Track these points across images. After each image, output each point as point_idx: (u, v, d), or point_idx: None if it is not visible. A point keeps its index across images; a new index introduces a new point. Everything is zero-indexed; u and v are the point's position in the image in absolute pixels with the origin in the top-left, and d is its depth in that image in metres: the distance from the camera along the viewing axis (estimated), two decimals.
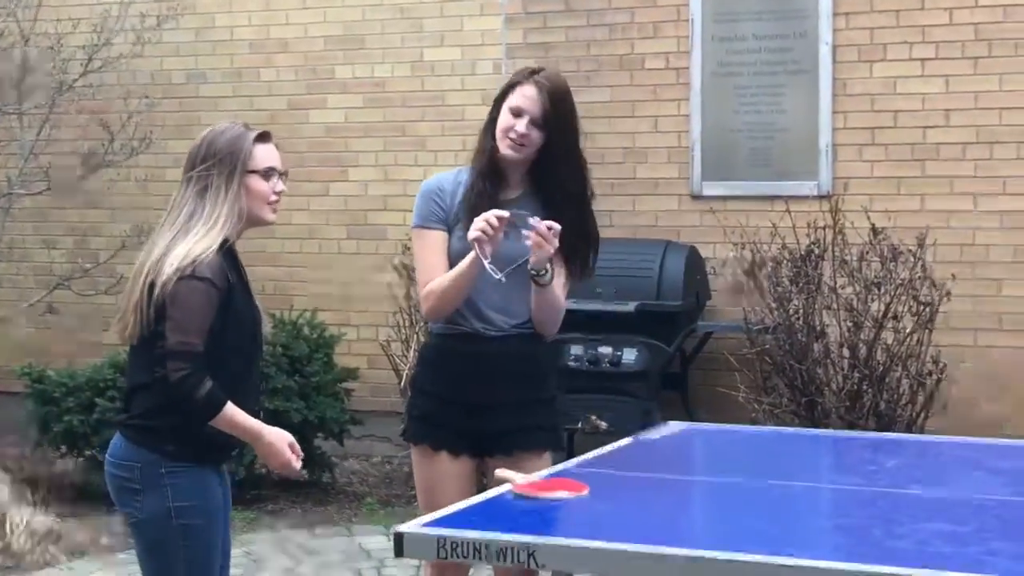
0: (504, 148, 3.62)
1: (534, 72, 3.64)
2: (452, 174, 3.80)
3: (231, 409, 3.38)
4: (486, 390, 3.73)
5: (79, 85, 7.55)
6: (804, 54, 6.80)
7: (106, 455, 3.58)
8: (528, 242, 3.50)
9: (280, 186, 3.51)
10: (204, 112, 7.81)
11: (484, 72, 7.38)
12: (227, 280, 3.40)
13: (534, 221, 3.47)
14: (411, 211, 3.89)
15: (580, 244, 3.72)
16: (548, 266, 3.58)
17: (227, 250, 3.43)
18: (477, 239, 3.48)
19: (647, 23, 7.05)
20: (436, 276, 3.67)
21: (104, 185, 8.01)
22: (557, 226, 3.49)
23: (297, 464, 3.47)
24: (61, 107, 7.66)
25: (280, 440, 3.46)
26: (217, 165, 3.47)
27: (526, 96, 3.60)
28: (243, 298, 3.49)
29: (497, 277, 3.49)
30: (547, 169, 3.68)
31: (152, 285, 3.38)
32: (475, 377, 3.73)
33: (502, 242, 3.53)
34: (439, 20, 7.51)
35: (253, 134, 3.48)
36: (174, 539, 3.52)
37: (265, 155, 3.50)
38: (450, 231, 3.72)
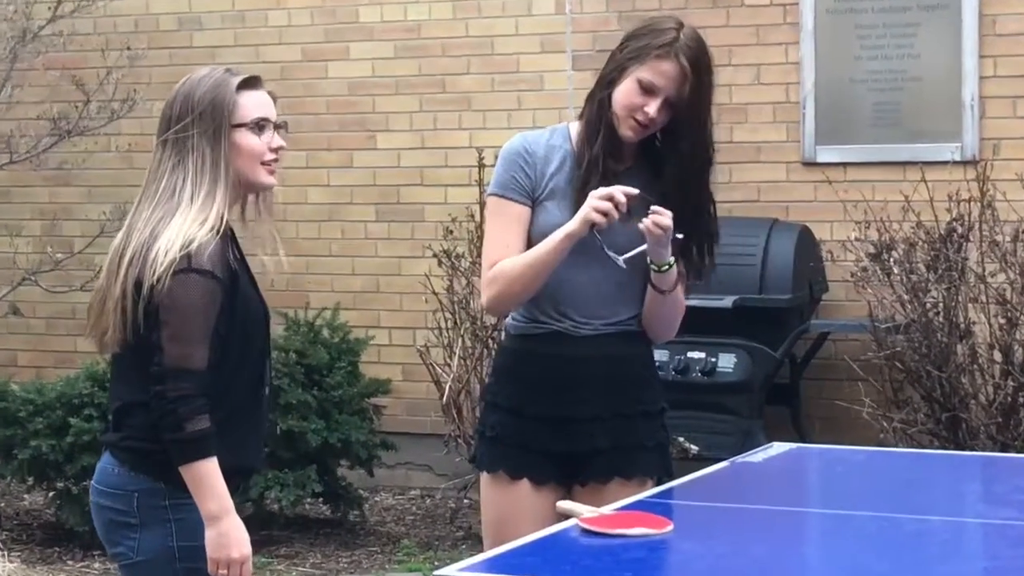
0: (624, 129, 3.73)
1: (674, 38, 3.71)
2: (544, 135, 3.88)
3: (212, 466, 3.43)
4: (577, 401, 3.81)
5: (46, 33, 7.59)
6: None
7: (93, 482, 3.60)
8: (641, 225, 3.62)
9: (278, 140, 3.56)
10: (199, 65, 7.49)
11: (543, 12, 7.44)
12: (230, 268, 3.44)
13: (657, 210, 3.61)
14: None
15: (700, 232, 3.84)
16: (671, 258, 3.69)
17: (226, 229, 3.48)
18: (599, 221, 3.59)
19: None
20: (508, 256, 3.77)
21: (79, 157, 8.10)
22: (669, 213, 3.62)
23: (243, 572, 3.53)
24: (24, 61, 7.69)
25: (240, 536, 3.51)
26: (197, 122, 3.48)
27: (663, 73, 3.69)
28: (249, 290, 3.53)
29: (620, 263, 3.63)
30: (668, 141, 3.78)
31: (139, 281, 3.39)
32: (563, 386, 3.81)
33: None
34: None
35: (237, 79, 3.53)
36: None
37: (254, 104, 3.56)
38: (535, 205, 3.81)
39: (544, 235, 3.74)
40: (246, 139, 3.52)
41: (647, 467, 3.87)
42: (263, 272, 3.71)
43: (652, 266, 3.69)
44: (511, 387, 3.90)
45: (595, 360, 3.85)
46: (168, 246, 3.38)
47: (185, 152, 3.50)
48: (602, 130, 3.78)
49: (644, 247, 3.69)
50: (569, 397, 3.82)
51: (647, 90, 3.68)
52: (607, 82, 3.78)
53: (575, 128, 3.87)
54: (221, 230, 3.43)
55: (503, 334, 4.11)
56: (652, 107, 3.68)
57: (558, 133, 3.87)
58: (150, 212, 3.47)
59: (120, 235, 3.57)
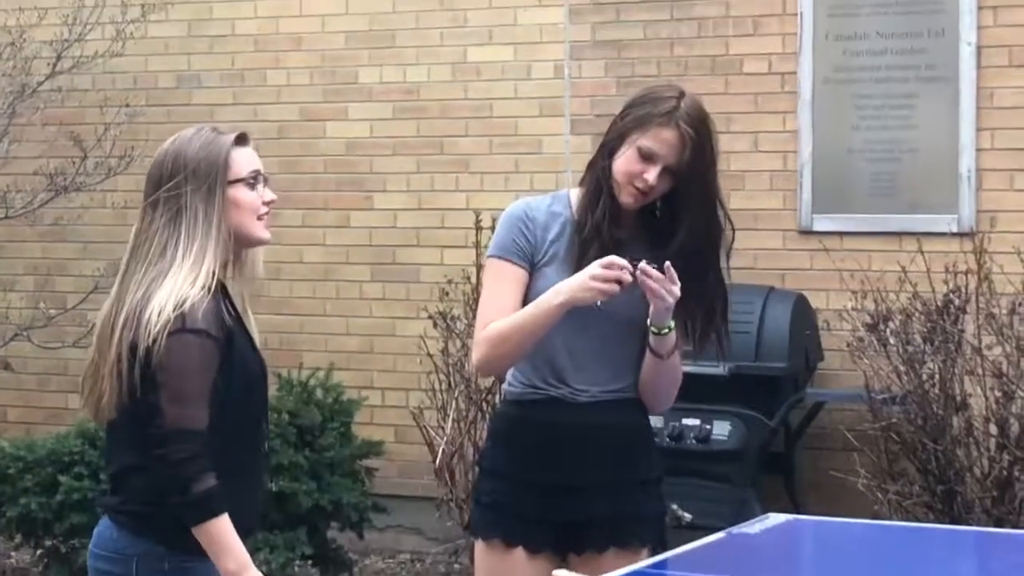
0: (624, 196, 3.76)
1: (675, 107, 3.75)
2: (545, 200, 3.92)
3: (225, 523, 3.44)
4: (575, 470, 3.84)
5: (45, 89, 7.65)
6: (941, 57, 6.84)
7: (91, 546, 3.61)
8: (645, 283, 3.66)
9: (269, 194, 3.60)
10: (198, 123, 7.65)
11: (542, 76, 7.49)
12: (225, 326, 3.46)
13: (643, 265, 3.64)
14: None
15: (699, 304, 3.87)
16: (671, 322, 3.72)
17: (218, 286, 3.49)
18: (608, 290, 3.62)
19: (745, 17, 7.15)
20: (502, 317, 3.81)
21: (74, 213, 8.11)
22: (672, 273, 3.64)
23: None
24: (23, 116, 7.74)
25: None
26: (190, 180, 3.50)
27: (664, 141, 3.73)
28: (246, 347, 3.55)
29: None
30: (672, 212, 3.84)
31: (134, 344, 3.41)
32: (561, 453, 3.85)
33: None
34: (486, 12, 7.64)
35: (231, 136, 3.57)
36: None
37: (246, 159, 3.59)
38: (533, 270, 3.84)
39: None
40: (243, 194, 3.55)
41: (644, 536, 3.90)
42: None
43: (652, 328, 3.70)
44: (507, 453, 3.93)
45: (593, 428, 3.88)
46: (161, 307, 3.40)
47: (177, 211, 3.53)
48: (603, 198, 3.81)
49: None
50: (567, 465, 3.85)
51: (646, 157, 3.72)
52: (608, 151, 3.82)
53: (575, 195, 3.91)
54: (213, 287, 3.45)
55: (499, 398, 4.09)
56: (651, 174, 3.71)
57: (559, 200, 3.91)
58: (142, 274, 3.50)
59: (110, 299, 3.59)
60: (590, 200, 3.85)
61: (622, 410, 3.88)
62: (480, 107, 7.60)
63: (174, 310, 3.40)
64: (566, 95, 7.46)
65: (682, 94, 3.80)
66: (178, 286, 3.44)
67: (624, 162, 3.77)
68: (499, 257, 3.89)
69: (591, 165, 3.91)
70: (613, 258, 3.66)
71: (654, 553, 3.91)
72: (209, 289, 3.45)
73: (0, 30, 7.61)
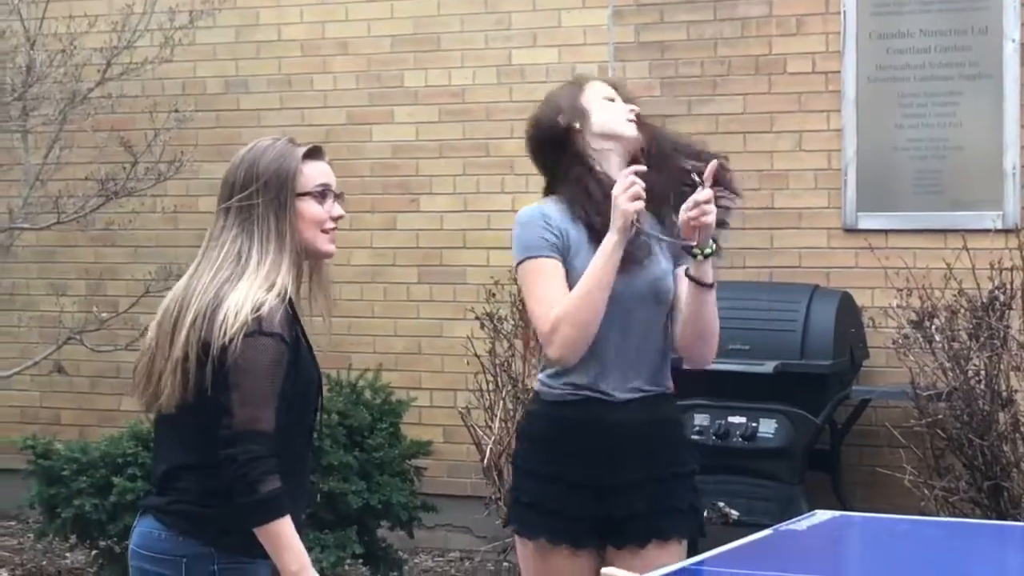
0: (628, 131, 4.01)
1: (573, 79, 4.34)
2: (546, 204, 4.06)
3: (288, 524, 3.47)
4: (615, 468, 3.92)
5: (95, 96, 7.70)
6: (985, 54, 6.85)
7: (134, 547, 3.64)
8: (684, 215, 3.80)
9: (338, 209, 3.62)
10: (246, 128, 7.95)
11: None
12: (294, 333, 3.51)
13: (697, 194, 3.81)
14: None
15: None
16: (711, 244, 3.82)
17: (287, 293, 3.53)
18: (637, 206, 3.74)
19: (789, 16, 7.17)
20: (559, 303, 3.86)
21: (125, 217, 8.18)
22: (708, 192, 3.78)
23: None
24: (74, 123, 7.82)
25: None
26: (262, 190, 3.55)
27: (603, 87, 4.12)
28: (307, 354, 3.59)
29: (665, 241, 3.86)
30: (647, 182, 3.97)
31: (206, 342, 3.45)
32: (601, 452, 3.91)
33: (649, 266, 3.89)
34: (530, 15, 7.65)
35: (302, 149, 3.60)
36: None
37: (316, 172, 3.63)
38: (565, 261, 3.92)
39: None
40: (309, 207, 3.60)
41: (682, 529, 3.98)
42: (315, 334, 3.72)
43: (695, 251, 3.80)
44: (544, 454, 4.00)
45: (631, 426, 3.96)
46: (237, 308, 3.46)
47: (250, 219, 3.58)
48: (589, 182, 4.01)
49: (676, 240, 3.86)
50: (607, 464, 3.93)
51: (611, 99, 4.06)
52: (571, 144, 4.07)
53: (554, 201, 4.08)
54: (286, 294, 3.51)
55: (531, 399, 4.29)
56: (624, 104, 4.05)
57: (549, 203, 4.06)
58: (211, 276, 3.54)
59: (172, 297, 3.63)
60: (578, 190, 4.01)
61: (658, 406, 3.98)
62: (525, 109, 7.54)
63: (252, 312, 3.45)
64: None
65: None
66: (253, 290, 3.49)
67: (602, 112, 4.03)
68: (533, 257, 3.95)
69: (565, 176, 4.08)
70: (623, 175, 3.82)
71: (693, 544, 3.97)
72: (283, 298, 3.50)
73: (51, 37, 7.67)
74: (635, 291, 3.95)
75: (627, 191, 3.77)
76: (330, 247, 3.67)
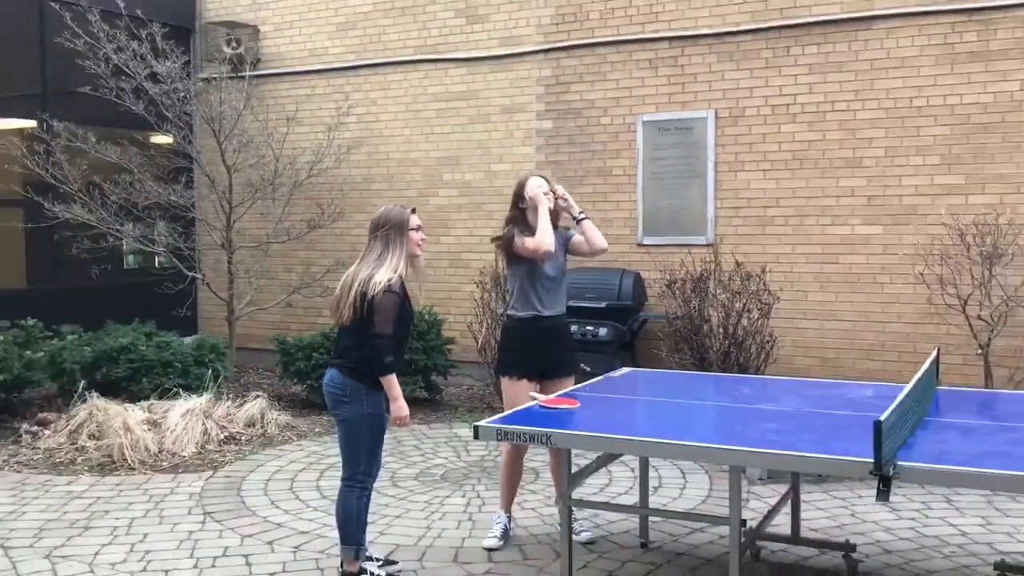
0: (551, 205, 5.58)
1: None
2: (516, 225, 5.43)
3: (394, 378, 4.86)
4: (545, 346, 5.58)
5: (305, 182, 10.90)
6: (698, 166, 9.35)
7: (324, 381, 5.13)
8: (561, 202, 5.49)
9: (422, 236, 5.06)
10: (371, 199, 11.29)
11: None
12: (404, 292, 4.97)
13: (559, 193, 5.45)
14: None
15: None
16: (580, 213, 5.44)
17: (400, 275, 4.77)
18: (541, 192, 5.30)
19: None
20: (537, 238, 5.35)
21: (318, 237, 11.58)
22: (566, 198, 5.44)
23: (407, 423, 4.90)
24: (295, 195, 10.94)
25: (405, 409, 4.99)
26: (393, 228, 4.98)
27: (537, 180, 5.66)
28: (407, 304, 5.01)
29: (560, 198, 5.57)
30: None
31: (364, 295, 4.93)
32: (542, 339, 5.62)
33: (554, 258, 5.52)
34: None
35: (409, 209, 5.04)
36: (364, 431, 4.99)
37: (415, 219, 5.06)
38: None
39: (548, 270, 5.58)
40: (414, 235, 5.13)
41: (572, 371, 5.84)
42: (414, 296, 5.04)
43: (577, 217, 5.51)
44: (515, 342, 5.82)
45: (553, 328, 5.77)
46: (379, 279, 4.84)
47: (386, 240, 5.02)
48: (527, 215, 5.54)
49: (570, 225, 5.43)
50: (542, 345, 5.72)
51: (541, 185, 5.54)
52: (517, 209, 5.64)
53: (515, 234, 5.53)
54: (402, 275, 4.91)
55: (507, 318, 5.77)
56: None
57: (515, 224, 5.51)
58: (368, 266, 4.95)
59: (346, 275, 5.01)
60: (521, 221, 5.55)
61: (562, 319, 5.75)
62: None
63: (386, 282, 4.78)
64: None
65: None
66: (387, 273, 4.83)
67: (534, 190, 5.51)
68: (519, 236, 5.44)
69: (512, 219, 5.63)
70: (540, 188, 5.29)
71: (575, 380, 5.61)
72: (401, 275, 4.93)
73: (286, 156, 10.78)
74: (556, 266, 5.48)
75: (536, 192, 5.30)
76: (420, 253, 4.90)
